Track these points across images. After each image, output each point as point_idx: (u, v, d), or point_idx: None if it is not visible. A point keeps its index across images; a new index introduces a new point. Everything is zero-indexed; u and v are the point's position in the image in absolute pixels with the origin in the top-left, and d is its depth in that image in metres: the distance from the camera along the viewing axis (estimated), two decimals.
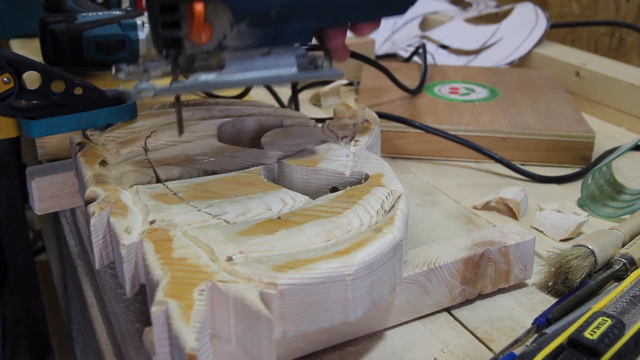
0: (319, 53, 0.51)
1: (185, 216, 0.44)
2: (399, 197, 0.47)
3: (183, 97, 0.57)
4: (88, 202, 0.45)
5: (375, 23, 0.50)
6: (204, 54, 0.46)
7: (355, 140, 0.56)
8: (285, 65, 0.48)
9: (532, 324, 0.46)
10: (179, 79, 0.46)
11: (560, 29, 1.21)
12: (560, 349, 0.42)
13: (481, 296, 0.50)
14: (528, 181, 0.72)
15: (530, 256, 0.51)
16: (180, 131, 0.49)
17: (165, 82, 0.46)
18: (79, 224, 0.65)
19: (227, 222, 0.43)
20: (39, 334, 0.66)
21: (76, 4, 0.92)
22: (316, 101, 0.93)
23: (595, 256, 0.51)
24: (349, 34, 0.52)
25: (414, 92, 0.85)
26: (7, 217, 0.58)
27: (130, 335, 0.46)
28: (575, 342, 0.42)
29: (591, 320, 0.43)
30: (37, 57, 0.73)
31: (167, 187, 0.48)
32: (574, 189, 0.69)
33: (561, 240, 0.60)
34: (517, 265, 0.50)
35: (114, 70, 0.46)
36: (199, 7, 0.42)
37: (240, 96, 0.85)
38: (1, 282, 0.94)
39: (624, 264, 0.51)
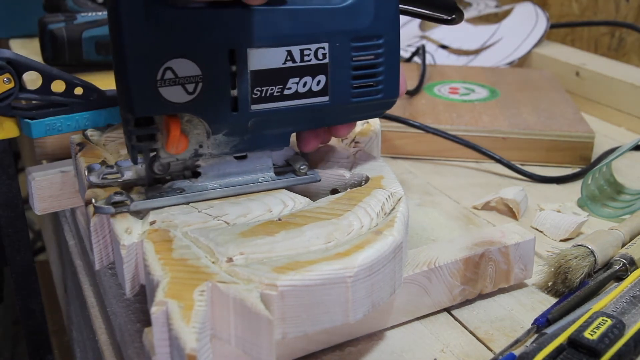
0: (295, 156, 0.51)
1: (185, 217, 0.44)
2: (399, 199, 0.47)
3: None
4: (88, 202, 0.45)
5: (352, 124, 0.50)
6: (178, 161, 0.46)
7: (356, 142, 0.56)
8: (262, 170, 0.48)
9: (532, 324, 0.47)
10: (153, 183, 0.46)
11: (560, 29, 1.21)
12: (560, 349, 0.42)
13: (481, 296, 0.50)
14: (528, 181, 0.72)
15: (531, 256, 0.51)
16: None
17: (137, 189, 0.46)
18: (79, 224, 0.65)
19: (228, 223, 0.44)
20: (39, 334, 0.66)
21: (76, 4, 0.92)
22: None
23: (595, 256, 0.51)
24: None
25: (412, 93, 0.85)
26: (7, 217, 0.58)
27: (130, 336, 0.46)
28: (575, 342, 0.42)
29: (591, 321, 0.43)
30: (37, 57, 0.73)
31: None
32: (574, 189, 0.69)
33: (561, 240, 0.60)
34: (518, 265, 0.50)
35: (85, 171, 0.47)
36: (175, 122, 0.42)
37: None
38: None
39: (624, 264, 0.51)
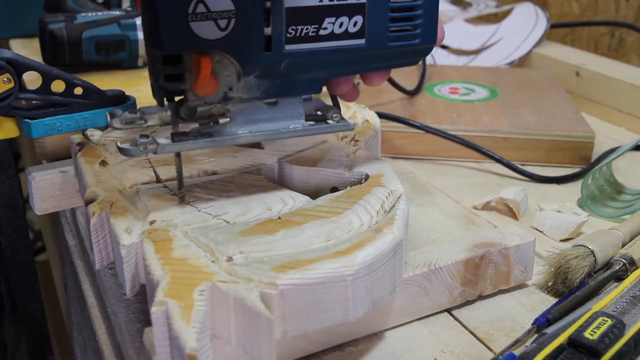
0: (328, 102, 0.49)
1: (185, 216, 0.44)
2: (399, 197, 0.47)
3: None
4: (88, 202, 0.45)
5: (386, 73, 0.49)
6: (207, 105, 0.44)
7: (356, 140, 0.56)
8: (293, 117, 0.46)
9: (532, 324, 0.46)
10: (179, 127, 0.44)
11: (560, 29, 1.21)
12: (560, 349, 0.42)
13: (481, 296, 0.50)
14: (528, 181, 0.72)
15: (531, 258, 0.51)
16: (180, 185, 0.47)
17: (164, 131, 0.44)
18: (79, 224, 0.65)
19: (228, 222, 0.43)
20: (39, 334, 0.66)
21: (76, 4, 0.92)
22: None
23: (595, 256, 0.51)
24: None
25: (412, 93, 0.85)
26: (7, 217, 0.58)
27: (130, 336, 0.46)
28: (576, 342, 0.42)
29: (591, 321, 0.43)
30: (37, 57, 0.73)
31: (167, 187, 0.48)
32: (574, 189, 0.69)
33: (561, 241, 0.60)
34: (518, 267, 0.50)
35: (108, 116, 0.45)
36: (205, 61, 0.40)
37: None
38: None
39: (624, 264, 0.51)
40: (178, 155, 0.45)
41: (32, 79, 0.55)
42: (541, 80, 0.93)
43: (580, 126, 0.76)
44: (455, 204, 0.66)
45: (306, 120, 0.47)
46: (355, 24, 0.44)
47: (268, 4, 0.41)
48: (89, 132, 0.56)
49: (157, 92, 0.42)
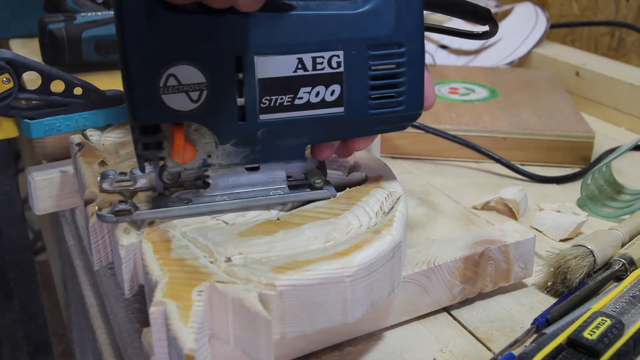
0: (314, 169, 0.48)
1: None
2: (398, 198, 0.47)
3: None
4: (87, 203, 0.45)
5: (370, 138, 0.47)
6: (186, 171, 0.44)
7: None
8: (275, 182, 0.46)
9: (531, 324, 0.46)
10: (164, 192, 0.45)
11: (560, 29, 1.21)
12: (559, 349, 0.42)
13: (481, 296, 0.50)
14: (528, 181, 0.72)
15: (531, 254, 0.51)
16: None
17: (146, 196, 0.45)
18: (78, 224, 0.65)
19: (226, 223, 0.43)
20: (39, 334, 0.66)
21: (76, 4, 0.92)
22: None
23: (594, 256, 0.51)
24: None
25: None
26: (7, 217, 0.58)
27: (129, 336, 0.46)
28: (575, 342, 0.42)
29: (590, 320, 0.43)
30: (37, 57, 0.73)
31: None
32: (574, 189, 0.69)
33: (561, 240, 0.60)
34: (517, 264, 0.50)
35: (99, 177, 0.45)
36: (178, 131, 0.41)
37: None
38: None
39: (624, 264, 0.51)
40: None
41: (31, 79, 0.55)
42: (541, 80, 0.93)
43: (580, 126, 0.76)
44: (455, 204, 0.66)
45: (289, 184, 0.47)
46: (332, 92, 0.43)
47: (240, 75, 0.41)
48: (88, 132, 0.56)
49: (138, 159, 0.43)
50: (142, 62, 0.39)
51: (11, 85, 0.52)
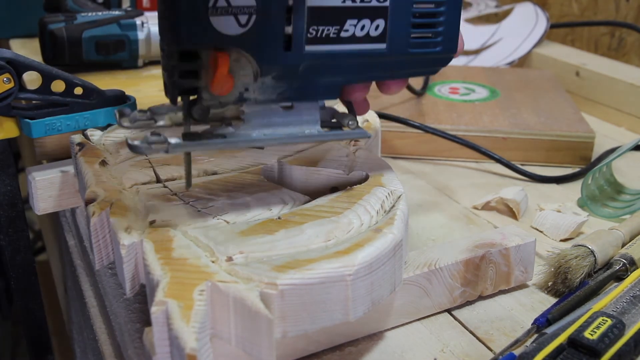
0: (343, 109, 0.48)
1: (185, 216, 0.44)
2: (399, 197, 0.47)
3: None
4: (88, 202, 0.45)
5: (404, 82, 0.48)
6: (221, 105, 0.43)
7: (356, 141, 0.56)
8: (308, 122, 0.45)
9: (532, 324, 0.46)
10: (191, 129, 0.43)
11: (560, 29, 1.21)
12: (560, 349, 0.42)
13: (481, 297, 0.50)
14: (528, 181, 0.72)
15: (531, 258, 0.51)
16: (189, 184, 0.45)
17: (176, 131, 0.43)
18: (79, 224, 0.65)
19: (227, 222, 0.43)
20: (39, 334, 0.66)
21: (76, 4, 0.92)
22: None
23: (594, 256, 0.51)
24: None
25: (419, 94, 0.85)
26: (7, 217, 0.58)
27: (130, 336, 0.46)
28: (575, 342, 0.42)
29: (591, 320, 0.43)
30: (37, 57, 0.73)
31: (167, 187, 0.48)
32: (574, 189, 0.69)
33: (561, 240, 0.60)
34: (518, 267, 0.50)
35: (117, 115, 0.43)
36: (223, 58, 0.39)
37: None
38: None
39: (624, 264, 0.51)
40: (188, 154, 0.44)
41: (32, 79, 0.55)
42: (541, 80, 0.93)
43: (580, 126, 0.76)
44: (455, 204, 0.66)
45: (321, 126, 0.46)
46: (377, 27, 0.43)
47: (290, 1, 0.40)
48: (89, 132, 0.56)
49: (171, 89, 0.41)
50: None
51: (12, 85, 0.52)
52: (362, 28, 0.43)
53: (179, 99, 0.42)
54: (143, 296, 0.46)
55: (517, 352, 0.43)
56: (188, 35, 0.38)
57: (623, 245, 0.55)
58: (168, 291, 0.36)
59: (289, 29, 0.41)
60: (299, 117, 0.45)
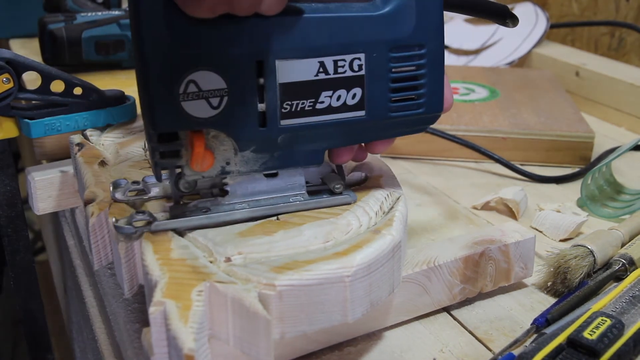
0: (331, 174, 0.48)
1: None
2: (398, 198, 0.47)
3: None
4: (87, 203, 0.45)
5: (390, 141, 0.46)
6: (204, 179, 0.43)
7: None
8: (293, 188, 0.45)
9: (531, 324, 0.46)
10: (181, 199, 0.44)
11: (560, 29, 1.21)
12: (559, 349, 0.42)
13: (480, 296, 0.50)
14: (528, 181, 0.72)
15: (531, 254, 0.51)
16: None
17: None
18: (78, 224, 0.65)
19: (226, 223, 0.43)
20: (39, 334, 0.66)
21: (76, 4, 0.92)
22: None
23: (594, 256, 0.51)
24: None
25: None
26: (7, 217, 0.58)
27: (129, 336, 0.46)
28: (575, 342, 0.42)
29: (590, 320, 0.43)
30: (37, 57, 0.73)
31: None
32: (574, 189, 0.69)
33: (561, 240, 0.60)
34: (518, 264, 0.50)
35: (111, 187, 0.45)
36: (198, 138, 0.40)
37: None
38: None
39: (623, 264, 0.51)
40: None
41: (31, 79, 0.55)
42: (541, 80, 0.93)
43: (580, 126, 0.76)
44: (455, 204, 0.66)
45: (308, 190, 0.46)
46: (354, 96, 0.42)
47: (261, 80, 0.40)
48: (88, 132, 0.56)
49: (154, 168, 0.42)
50: (161, 69, 0.38)
51: (11, 85, 0.52)
52: (339, 98, 0.42)
53: (165, 172, 0.43)
54: (142, 296, 0.46)
55: (516, 352, 0.43)
56: (162, 119, 0.39)
57: (622, 245, 0.55)
58: (166, 291, 0.36)
59: (262, 106, 0.41)
60: (283, 183, 0.45)
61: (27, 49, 1.00)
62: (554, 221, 0.60)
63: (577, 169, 0.73)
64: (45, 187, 0.55)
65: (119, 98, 0.57)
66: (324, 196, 0.46)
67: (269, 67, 0.40)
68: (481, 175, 0.74)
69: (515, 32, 1.11)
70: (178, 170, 0.42)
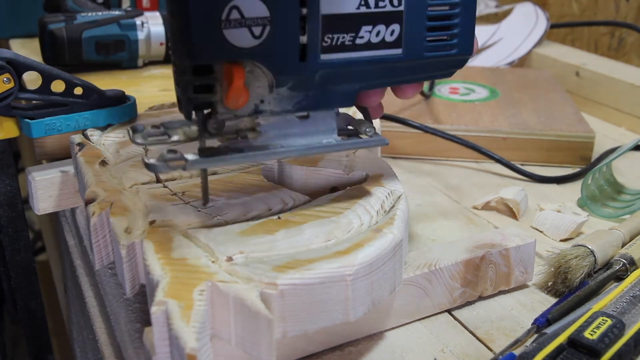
0: (359, 117, 0.47)
1: (185, 216, 0.44)
2: (399, 197, 0.47)
3: None
4: (88, 202, 0.45)
5: (419, 85, 0.47)
6: (237, 118, 0.42)
7: None
8: (325, 132, 0.44)
9: (532, 324, 0.46)
10: (206, 142, 0.42)
11: (560, 29, 1.21)
12: (560, 349, 0.42)
13: (481, 297, 0.50)
14: (528, 181, 0.72)
15: (531, 259, 0.51)
16: (206, 200, 0.44)
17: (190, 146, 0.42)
18: (78, 224, 0.65)
19: (227, 222, 0.43)
20: (39, 334, 0.66)
21: (76, 4, 0.92)
22: None
23: (594, 256, 0.51)
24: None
25: (427, 95, 0.85)
26: (7, 217, 0.58)
27: (130, 336, 0.46)
28: (575, 342, 0.42)
29: (591, 320, 0.43)
30: (37, 57, 0.73)
31: (167, 187, 0.48)
32: (574, 189, 0.69)
33: (561, 240, 0.60)
34: (518, 268, 0.50)
35: (130, 132, 0.42)
36: (238, 71, 0.38)
37: None
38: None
39: (624, 264, 0.51)
40: (204, 170, 0.43)
41: (32, 79, 0.55)
42: (541, 80, 0.93)
43: (580, 126, 0.76)
44: (455, 204, 0.66)
45: (339, 134, 0.45)
46: (392, 32, 0.42)
47: (304, 10, 0.39)
48: (89, 132, 0.56)
49: (185, 104, 0.40)
50: None
51: (12, 85, 0.52)
52: (378, 34, 0.42)
53: (193, 113, 0.41)
54: (143, 296, 0.46)
55: (517, 352, 0.43)
56: (202, 49, 0.37)
57: (623, 245, 0.55)
58: (168, 291, 0.36)
59: (303, 39, 0.40)
60: (315, 126, 0.44)
61: (27, 49, 1.00)
62: (555, 221, 0.60)
63: (577, 169, 0.73)
64: (45, 187, 0.55)
65: (120, 98, 0.57)
66: (356, 139, 0.45)
67: None
68: (481, 175, 0.74)
69: (515, 32, 1.11)
70: (206, 111, 0.41)
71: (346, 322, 0.39)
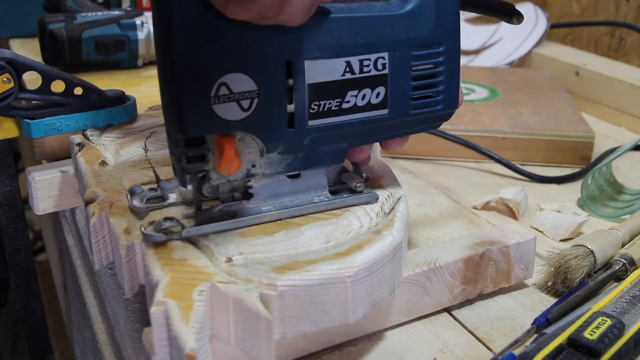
0: (349, 172, 0.48)
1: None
2: (399, 199, 0.47)
3: None
4: (88, 203, 0.45)
5: (405, 139, 0.48)
6: (230, 183, 0.43)
7: None
8: (316, 189, 0.46)
9: (531, 324, 0.47)
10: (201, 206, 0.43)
11: (560, 29, 1.21)
12: (560, 349, 0.42)
13: (481, 296, 0.50)
14: (528, 181, 0.72)
15: (531, 255, 0.51)
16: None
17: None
18: (78, 224, 0.65)
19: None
20: (39, 334, 0.66)
21: (76, 4, 0.92)
22: None
23: (594, 256, 0.51)
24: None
25: None
26: (7, 217, 0.58)
27: (129, 336, 0.46)
28: (575, 342, 0.42)
29: (591, 320, 0.43)
30: (37, 57, 0.73)
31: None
32: (574, 189, 0.69)
33: (561, 240, 0.60)
34: (518, 265, 0.50)
35: (128, 196, 0.44)
36: (229, 141, 0.40)
37: None
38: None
39: (624, 264, 0.51)
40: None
41: (32, 79, 0.55)
42: (541, 80, 0.93)
43: (580, 126, 0.76)
44: (455, 204, 0.66)
45: (330, 189, 0.46)
46: (377, 95, 0.43)
47: (290, 81, 0.40)
48: (88, 132, 0.56)
49: (180, 173, 0.41)
50: (194, 72, 0.37)
51: (11, 85, 0.52)
52: (364, 97, 0.43)
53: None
54: (142, 296, 0.46)
55: (516, 352, 0.43)
56: (193, 125, 0.38)
57: (623, 245, 0.55)
58: (167, 291, 0.36)
59: (291, 107, 0.41)
60: (306, 184, 0.45)
61: (27, 49, 1.00)
62: (554, 221, 0.60)
63: (577, 169, 0.73)
64: (45, 187, 0.55)
65: (120, 98, 0.57)
66: (346, 195, 0.46)
67: (298, 68, 0.40)
68: (481, 175, 0.74)
69: (515, 32, 1.11)
70: (201, 175, 0.42)
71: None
